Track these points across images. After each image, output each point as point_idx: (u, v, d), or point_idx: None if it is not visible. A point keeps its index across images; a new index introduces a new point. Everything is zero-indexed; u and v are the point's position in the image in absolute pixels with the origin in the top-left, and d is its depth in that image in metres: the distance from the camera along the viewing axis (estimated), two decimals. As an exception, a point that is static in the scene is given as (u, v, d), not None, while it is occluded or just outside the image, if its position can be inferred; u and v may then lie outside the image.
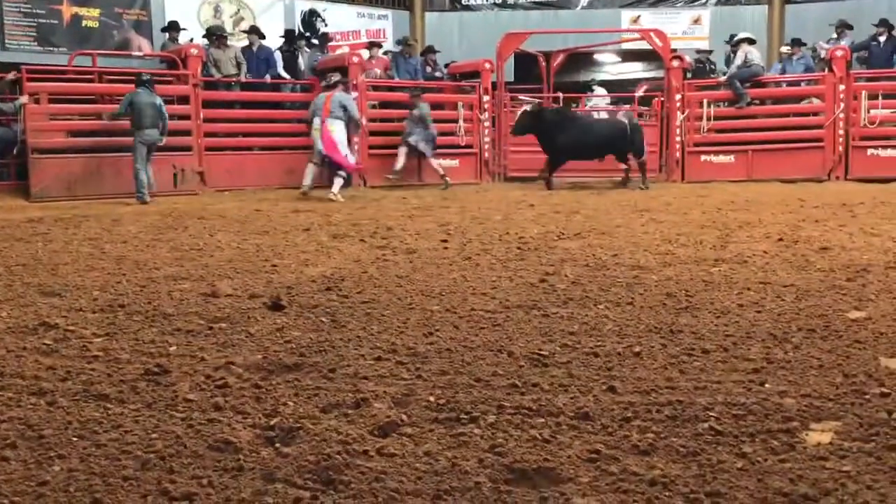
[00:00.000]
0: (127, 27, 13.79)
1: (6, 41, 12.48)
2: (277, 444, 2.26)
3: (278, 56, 12.80)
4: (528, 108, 11.94)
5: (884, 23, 13.20)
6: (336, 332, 3.47)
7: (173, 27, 12.67)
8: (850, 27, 13.45)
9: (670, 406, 2.50)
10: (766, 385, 2.70)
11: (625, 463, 2.11)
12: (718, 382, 2.74)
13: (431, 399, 2.61)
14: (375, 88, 12.94)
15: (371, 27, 16.35)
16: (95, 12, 13.31)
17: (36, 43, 12.99)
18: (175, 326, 3.60)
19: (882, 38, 13.16)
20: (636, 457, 2.15)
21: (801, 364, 2.93)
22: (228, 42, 12.52)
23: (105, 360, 3.10)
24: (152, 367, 2.95)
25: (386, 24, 16.70)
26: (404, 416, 2.44)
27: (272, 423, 2.40)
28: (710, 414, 2.43)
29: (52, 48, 13.05)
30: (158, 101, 10.22)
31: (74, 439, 2.30)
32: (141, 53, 13.15)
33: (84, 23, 13.29)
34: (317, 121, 10.49)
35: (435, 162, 12.20)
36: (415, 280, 4.65)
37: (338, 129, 10.57)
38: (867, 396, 2.57)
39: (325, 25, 14.72)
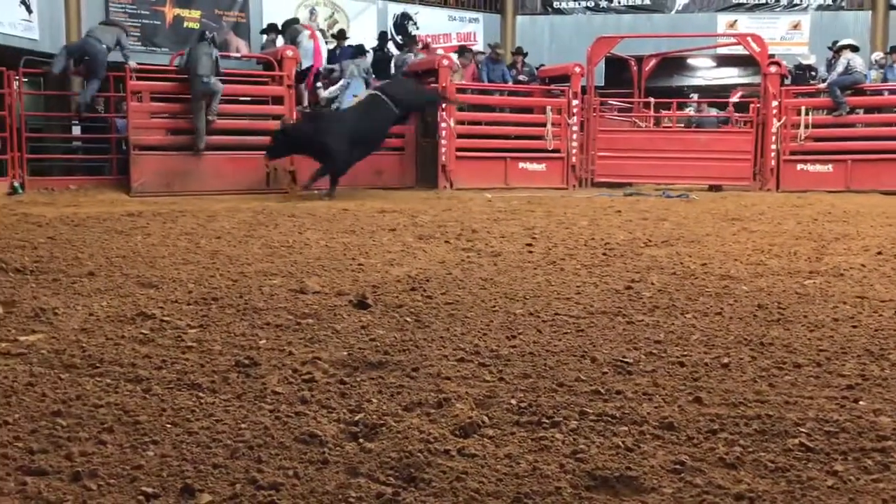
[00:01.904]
0: (226, 28, 14.23)
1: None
2: (361, 440, 2.29)
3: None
4: (279, 125, 10.88)
5: None
6: (420, 332, 3.50)
7: (271, 29, 13.01)
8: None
9: (759, 420, 2.44)
10: (861, 402, 2.61)
11: (710, 476, 2.07)
12: (810, 398, 2.65)
13: (513, 402, 2.61)
14: (464, 92, 12.99)
15: (462, 30, 16.44)
16: (196, 14, 13.79)
17: (139, 43, 13.52)
18: (265, 320, 3.69)
19: None
20: (722, 470, 2.11)
21: (899, 382, 2.82)
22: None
23: (198, 350, 3.20)
24: (243, 359, 3.04)
25: (477, 28, 16.76)
26: (486, 418, 2.45)
27: (356, 418, 2.44)
28: (801, 430, 2.36)
29: (154, 48, 13.57)
30: (215, 53, 10.84)
31: (168, 426, 2.39)
32: (239, 54, 13.55)
33: (185, 24, 13.78)
34: None
35: None
36: (499, 283, 4.65)
37: None
38: (971, 419, 2.45)
39: (417, 28, 14.88)
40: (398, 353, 3.19)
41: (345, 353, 3.17)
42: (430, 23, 16.08)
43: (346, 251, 5.83)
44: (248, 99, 12.33)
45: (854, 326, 3.63)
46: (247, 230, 6.98)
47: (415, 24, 15.16)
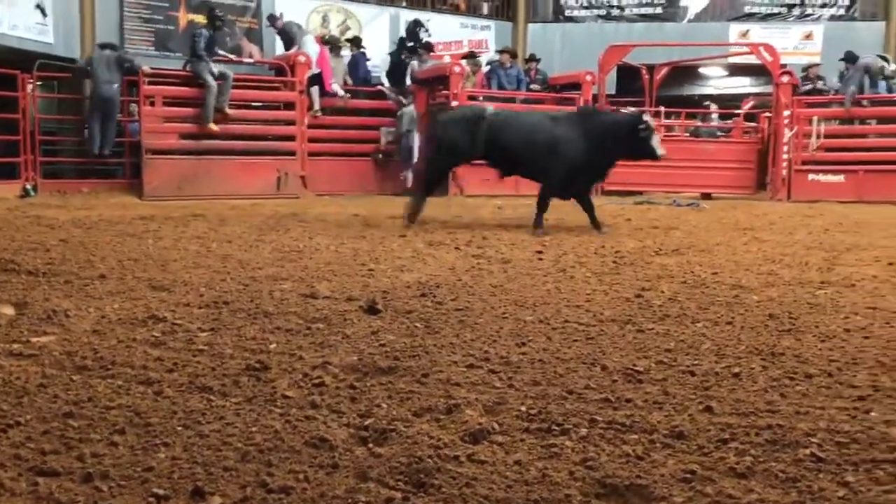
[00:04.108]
0: (239, 34, 14.30)
1: (125, 45, 13.09)
2: (371, 445, 2.30)
3: (379, 63, 13.17)
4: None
5: None
6: (430, 338, 3.50)
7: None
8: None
9: (770, 430, 2.43)
10: (872, 413, 2.60)
11: (720, 485, 2.06)
12: (821, 408, 2.64)
13: (523, 409, 2.61)
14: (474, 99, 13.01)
15: (474, 38, 16.47)
16: (210, 19, 13.85)
17: (153, 47, 13.60)
18: (275, 325, 3.70)
19: None
20: (732, 479, 2.10)
21: (911, 394, 2.80)
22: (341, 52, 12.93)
23: (209, 353, 3.22)
24: (253, 363, 3.04)
25: (489, 35, 16.79)
26: (495, 424, 2.45)
27: (366, 423, 2.45)
28: (812, 440, 2.35)
29: (168, 53, 13.64)
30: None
31: (179, 428, 2.40)
32: (251, 60, 13.62)
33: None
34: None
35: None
36: (509, 290, 4.65)
37: None
38: (983, 432, 2.44)
39: (429, 35, 14.92)
40: (408, 358, 3.19)
41: (355, 357, 3.17)
42: (442, 30, 16.12)
43: (357, 256, 5.84)
44: (260, 104, 12.40)
45: (866, 337, 3.61)
46: (257, 235, 7.00)
47: (426, 30, 15.20)
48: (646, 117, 7.66)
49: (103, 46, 11.28)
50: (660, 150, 7.64)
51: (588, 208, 7.84)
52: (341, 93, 12.47)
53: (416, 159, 12.49)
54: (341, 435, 2.36)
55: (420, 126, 12.56)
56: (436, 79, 12.96)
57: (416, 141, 12.51)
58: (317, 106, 12.16)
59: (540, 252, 6.20)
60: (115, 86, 10.89)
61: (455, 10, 16.75)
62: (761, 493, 2.02)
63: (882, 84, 13.11)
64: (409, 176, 12.57)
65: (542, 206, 7.78)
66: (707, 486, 2.05)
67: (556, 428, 2.45)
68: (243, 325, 3.71)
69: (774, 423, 2.49)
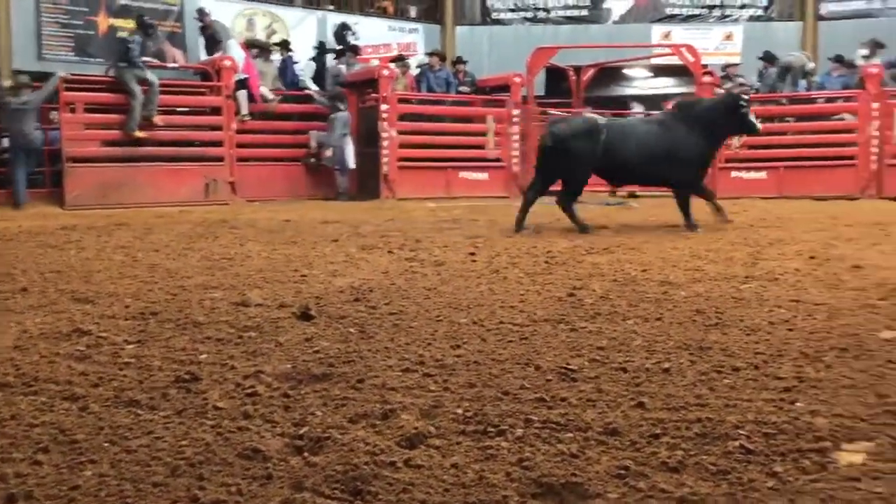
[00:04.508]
0: (162, 38, 14.00)
1: (43, 52, 12.72)
2: (306, 454, 2.27)
3: (304, 67, 13.09)
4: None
5: (919, 40, 13.09)
6: (364, 343, 3.48)
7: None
8: (883, 46, 13.36)
9: (700, 423, 2.48)
10: (798, 404, 2.67)
11: (653, 480, 2.09)
12: (749, 400, 2.71)
13: (459, 411, 2.61)
14: (404, 101, 13.02)
15: (402, 41, 16.47)
16: (131, 24, 13.55)
17: (73, 53, 13.23)
18: (206, 335, 3.63)
19: (918, 56, 13.04)
20: (665, 474, 2.14)
21: (832, 383, 2.89)
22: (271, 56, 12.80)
23: (137, 366, 3.13)
24: (183, 375, 2.98)
25: (417, 38, 16.81)
26: (432, 428, 2.44)
27: (301, 432, 2.41)
28: (741, 432, 2.40)
29: (88, 58, 13.28)
30: None
31: (106, 444, 2.33)
32: (175, 64, 13.36)
33: (119, 34, 13.52)
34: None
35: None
36: (442, 292, 4.66)
37: None
38: (901, 417, 2.53)
39: (357, 39, 14.86)
40: (342, 364, 3.16)
41: (288, 365, 3.13)
42: (370, 33, 16.07)
43: (289, 263, 5.77)
44: (187, 109, 12.17)
45: (790, 329, 3.72)
46: (186, 243, 6.86)
47: (354, 34, 15.14)
48: (739, 92, 8.08)
49: (16, 87, 10.81)
50: (758, 124, 8.08)
51: (685, 205, 7.98)
52: (270, 96, 12.32)
53: (350, 165, 12.41)
54: (275, 445, 2.32)
55: (352, 130, 12.51)
56: (364, 82, 12.92)
57: (350, 146, 12.44)
58: (244, 111, 11.99)
59: (473, 254, 6.22)
60: (37, 132, 10.52)
61: (383, 13, 16.72)
62: (693, 486, 2.06)
63: (801, 83, 13.55)
64: (344, 182, 12.48)
65: (687, 208, 7.94)
66: (640, 481, 2.08)
67: (493, 429, 2.45)
68: (172, 335, 3.62)
69: (704, 416, 2.54)
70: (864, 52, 13.41)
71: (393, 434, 2.40)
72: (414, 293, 4.62)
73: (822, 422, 2.49)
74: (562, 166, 7.89)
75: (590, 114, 9.54)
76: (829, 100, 13.23)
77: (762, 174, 12.96)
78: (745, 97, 7.89)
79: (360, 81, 13.04)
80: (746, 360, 3.19)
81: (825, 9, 16.56)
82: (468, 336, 3.62)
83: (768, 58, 13.84)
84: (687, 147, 7.84)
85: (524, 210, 8.02)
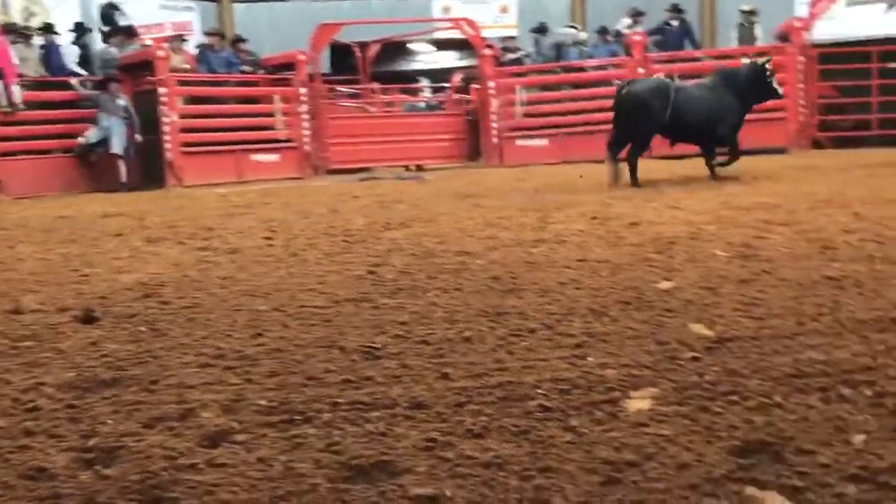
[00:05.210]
0: None
1: None
2: (97, 466, 2.11)
3: (69, 50, 12.18)
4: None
5: (675, 8, 14.16)
6: (157, 342, 3.30)
7: None
8: (643, 13, 14.32)
9: (501, 387, 2.55)
10: (589, 358, 2.82)
11: (460, 448, 2.13)
12: (545, 360, 2.82)
13: (263, 402, 2.53)
14: (185, 84, 12.47)
15: (176, 19, 15.70)
16: None
17: None
18: (-26, 349, 3.30)
19: (674, 23, 14.09)
20: (471, 441, 2.18)
21: (618, 336, 3.08)
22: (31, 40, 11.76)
23: None
24: (-50, 396, 2.69)
25: (193, 16, 16.10)
26: (235, 424, 2.36)
27: (90, 444, 2.25)
28: (539, 391, 2.50)
29: None
30: None
31: None
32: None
33: None
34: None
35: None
36: (239, 280, 4.51)
37: None
38: (680, 362, 2.73)
39: (126, 18, 13.99)
40: (134, 366, 2.98)
41: (72, 374, 2.90)
42: (141, 12, 15.18)
43: (67, 262, 5.36)
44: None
45: (577, 288, 3.91)
46: (-54, 249, 6.21)
47: (122, 13, 14.22)
48: (762, 60, 9.02)
49: None
50: (780, 90, 9.21)
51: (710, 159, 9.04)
52: (17, 98, 11.24)
53: (117, 150, 11.66)
54: (62, 461, 2.15)
55: (126, 114, 11.79)
56: (139, 65, 12.21)
57: (122, 131, 11.70)
58: (4, 101, 10.99)
59: (269, 238, 6.07)
60: None
61: (153, -10, 15.84)
62: (497, 449, 2.11)
63: (573, 52, 14.25)
64: (123, 169, 11.76)
65: (735, 157, 8.98)
66: (448, 451, 2.11)
67: (299, 417, 2.40)
68: (-66, 354, 3.26)
69: (504, 380, 2.62)
70: (627, 21, 14.32)
71: (193, 434, 2.30)
72: (209, 284, 4.44)
73: (612, 373, 2.64)
74: (635, 124, 8.76)
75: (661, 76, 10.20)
76: (600, 68, 14.01)
77: (545, 141, 13.55)
78: (770, 67, 8.93)
79: (135, 64, 12.31)
80: (540, 321, 3.32)
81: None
82: (269, 323, 3.53)
83: (541, 29, 14.46)
84: (732, 111, 8.90)
85: (614, 167, 8.80)
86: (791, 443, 2.06)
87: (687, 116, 8.76)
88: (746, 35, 13.85)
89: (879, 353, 2.71)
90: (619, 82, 9.95)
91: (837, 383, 2.44)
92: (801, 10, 14.33)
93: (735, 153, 9.03)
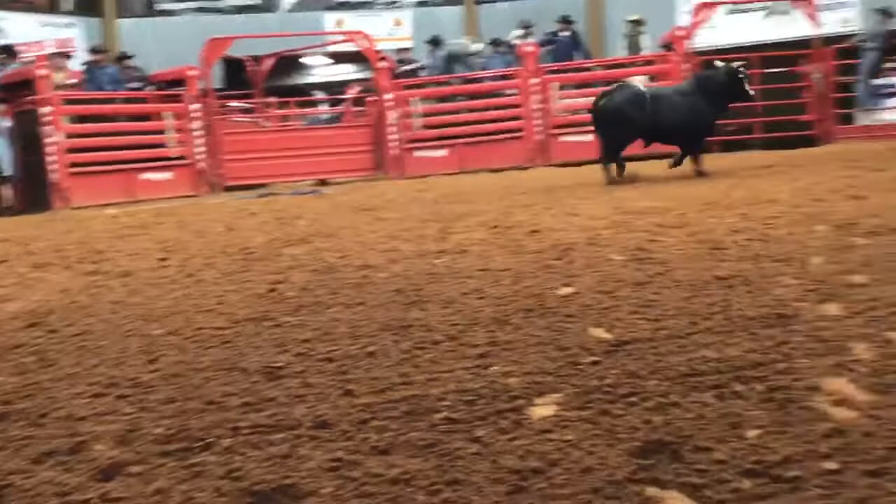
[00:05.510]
0: None
1: None
2: (-18, 509, 2.00)
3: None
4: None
5: (564, 19, 14.52)
6: (44, 373, 3.15)
7: None
8: (532, 25, 14.62)
9: (406, 401, 2.54)
10: (493, 368, 2.83)
11: (366, 466, 2.10)
12: (450, 371, 2.82)
13: (159, 431, 2.44)
14: (71, 102, 12.01)
15: (59, 36, 15.12)
16: None
17: None
18: None
19: (565, 34, 14.43)
20: (377, 458, 2.15)
21: (521, 343, 3.10)
22: None
23: None
24: None
25: (75, 33, 15.53)
26: (130, 455, 2.27)
27: (-26, 485, 2.12)
28: (444, 403, 2.50)
29: None
30: None
31: None
32: None
33: None
34: None
35: None
36: (132, 304, 4.35)
37: None
38: (581, 367, 2.77)
39: (4, 37, 13.38)
40: (20, 400, 2.83)
41: (-48, 412, 2.74)
42: (20, 30, 14.56)
43: (-54, 293, 5.08)
44: None
45: (480, 298, 3.93)
46: None
47: (1, 31, 13.61)
48: (737, 64, 9.20)
49: None
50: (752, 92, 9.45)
51: (697, 159, 9.31)
52: None
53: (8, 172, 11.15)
54: (-59, 508, 2.02)
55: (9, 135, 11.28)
56: (19, 84, 11.69)
57: (9, 153, 11.19)
58: None
59: (164, 259, 5.89)
60: None
61: (30, 7, 15.21)
62: (404, 465, 2.09)
63: (469, 62, 14.41)
64: (9, 192, 11.23)
65: (700, 157, 9.31)
66: (353, 470, 2.08)
67: (198, 444, 2.33)
68: None
69: (409, 394, 2.61)
70: (519, 32, 14.58)
71: (85, 468, 2.20)
72: (99, 309, 4.27)
73: (515, 381, 2.66)
74: (614, 133, 9.15)
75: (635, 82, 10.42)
76: (495, 78, 14.20)
77: (443, 152, 13.63)
78: (742, 67, 9.17)
79: (15, 83, 11.78)
80: (445, 333, 3.32)
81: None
82: (165, 348, 3.42)
83: (435, 41, 14.58)
84: (706, 115, 9.24)
85: (620, 168, 9.20)
86: (689, 441, 2.11)
87: (664, 121, 9.14)
88: (634, 44, 14.28)
89: (769, 348, 2.81)
90: (599, 94, 9.92)
91: (730, 380, 2.52)
92: (684, 19, 14.87)
93: (698, 156, 9.42)
